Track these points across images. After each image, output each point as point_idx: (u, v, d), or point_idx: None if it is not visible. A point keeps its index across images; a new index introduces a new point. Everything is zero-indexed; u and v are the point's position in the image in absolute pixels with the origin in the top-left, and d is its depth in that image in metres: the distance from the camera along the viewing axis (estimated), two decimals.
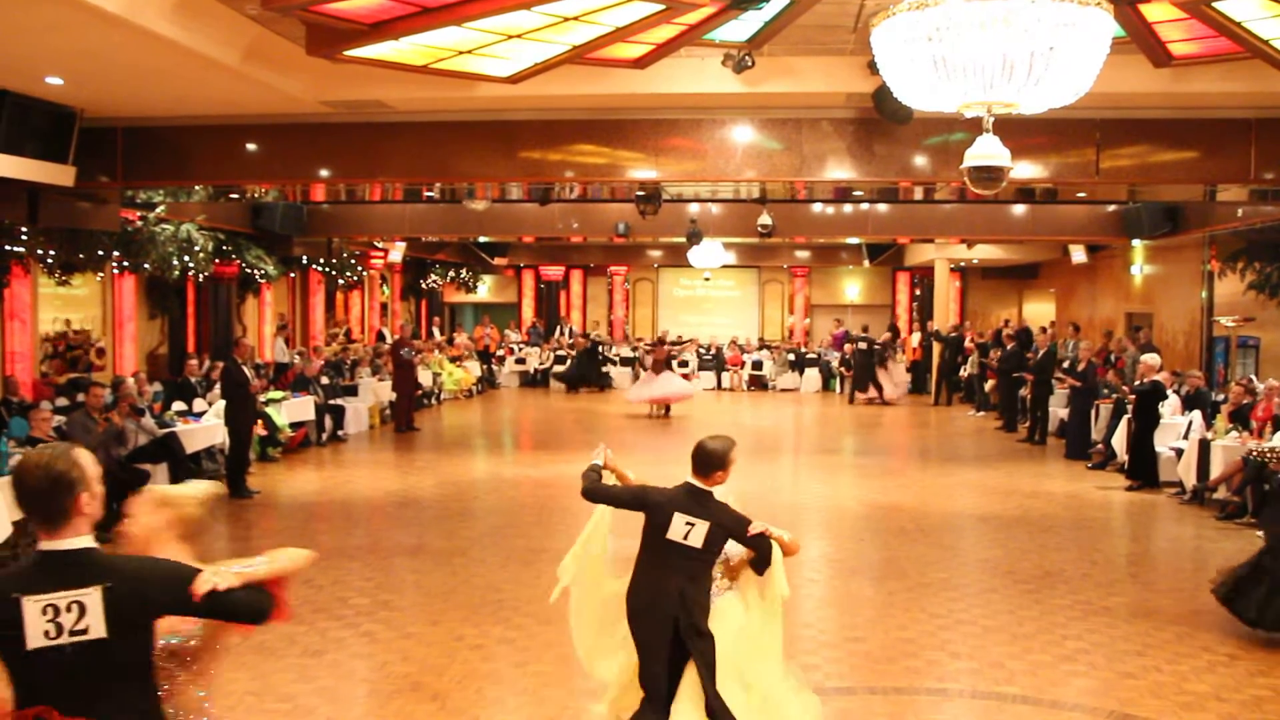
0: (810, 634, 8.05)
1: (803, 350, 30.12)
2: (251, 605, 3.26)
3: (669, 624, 5.26)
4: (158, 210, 15.47)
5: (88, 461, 3.18)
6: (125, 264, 15.58)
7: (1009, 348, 20.82)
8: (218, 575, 3.16)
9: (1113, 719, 6.40)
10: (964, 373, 24.80)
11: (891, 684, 6.98)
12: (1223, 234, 18.53)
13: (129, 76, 9.76)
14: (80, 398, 11.91)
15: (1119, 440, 15.23)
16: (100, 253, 14.79)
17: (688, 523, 5.28)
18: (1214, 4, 7.41)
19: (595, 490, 5.57)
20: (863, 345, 26.05)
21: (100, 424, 11.52)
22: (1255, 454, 11.07)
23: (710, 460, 5.40)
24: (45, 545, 3.09)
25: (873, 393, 25.57)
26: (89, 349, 16.22)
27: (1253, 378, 15.57)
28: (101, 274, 15.91)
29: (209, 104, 11.06)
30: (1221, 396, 14.81)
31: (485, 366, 28.10)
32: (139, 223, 15.35)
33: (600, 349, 29.19)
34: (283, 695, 6.64)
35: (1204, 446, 13.07)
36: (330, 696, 6.68)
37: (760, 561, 5.35)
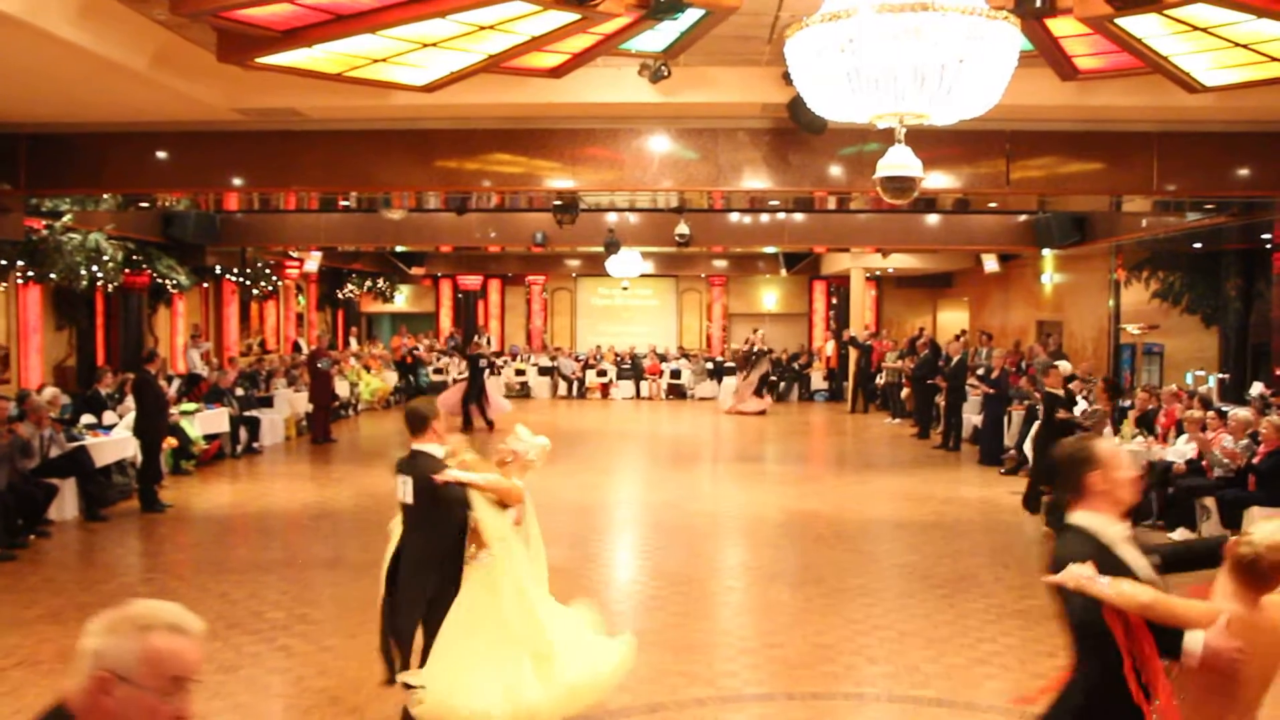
0: (729, 640, 8.10)
1: (720, 359, 30.30)
2: None
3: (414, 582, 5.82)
4: (64, 219, 15.11)
5: None
6: (30, 274, 15.18)
7: (922, 355, 21.13)
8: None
9: (1025, 719, 6.51)
10: (880, 381, 25.12)
11: (809, 689, 7.04)
12: (1128, 244, 19.02)
13: (32, 81, 9.51)
14: None
15: (1031, 446, 15.50)
16: (4, 262, 14.41)
17: (402, 481, 5.89)
18: (1116, 20, 7.59)
19: None
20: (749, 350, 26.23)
21: (3, 437, 11.21)
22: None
23: (413, 418, 5.96)
24: None
25: (748, 404, 25.49)
26: None
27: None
28: (5, 284, 15.50)
29: (117, 110, 10.82)
30: (1128, 402, 15.15)
31: (406, 378, 27.78)
32: (44, 232, 14.98)
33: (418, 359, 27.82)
34: (195, 712, 6.50)
35: None
36: (246, 713, 6.58)
37: (461, 508, 5.77)
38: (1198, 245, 17.29)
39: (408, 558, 5.96)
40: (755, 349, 26.11)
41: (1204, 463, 11.71)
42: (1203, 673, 3.37)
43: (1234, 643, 3.30)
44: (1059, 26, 8.03)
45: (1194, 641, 3.40)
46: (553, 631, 5.57)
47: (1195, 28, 7.66)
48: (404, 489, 5.88)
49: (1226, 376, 16.56)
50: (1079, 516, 3.76)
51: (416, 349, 28.05)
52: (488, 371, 22.80)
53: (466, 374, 22.33)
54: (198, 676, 2.40)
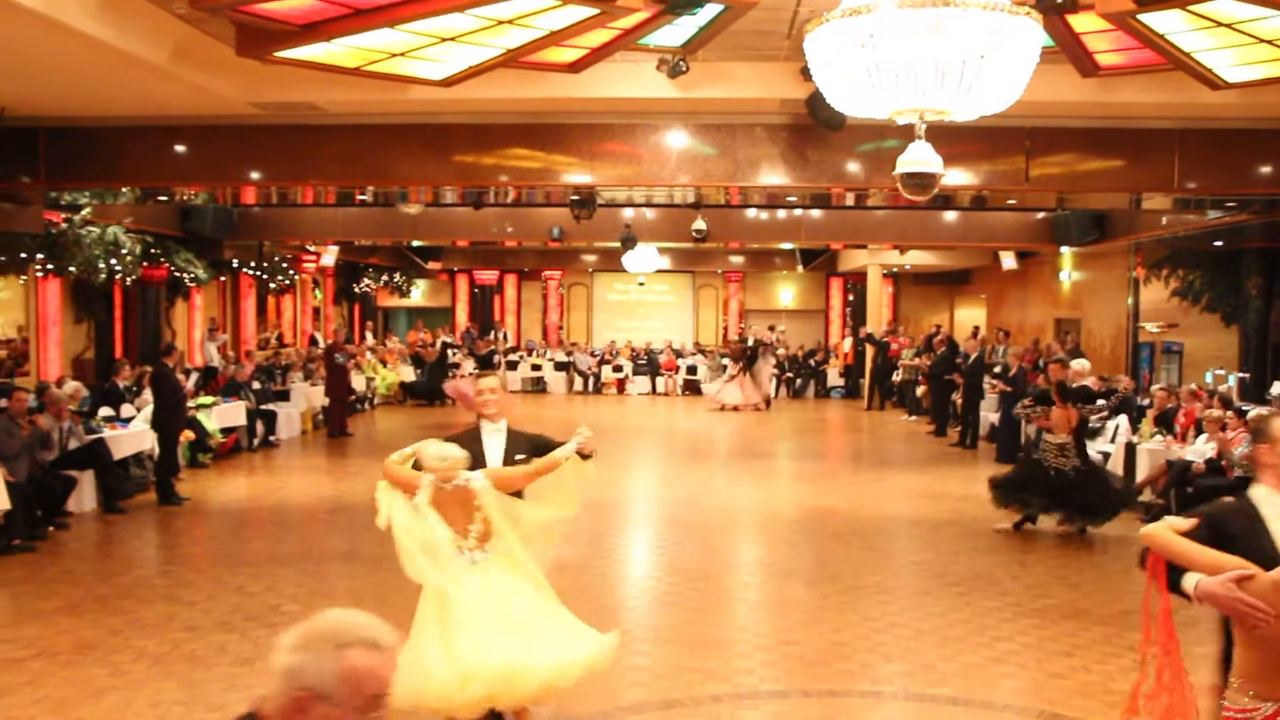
0: (745, 637, 8.08)
1: (724, 353, 30.21)
2: None
3: None
4: (83, 212, 15.17)
5: None
6: (49, 267, 15.25)
7: (940, 353, 21.05)
8: None
9: (1042, 719, 6.49)
10: (897, 378, 25.05)
11: (825, 686, 7.02)
12: (1148, 241, 18.90)
13: (52, 75, 9.54)
14: (2, 403, 11.66)
15: None
16: (23, 255, 14.47)
17: None
18: (1139, 16, 7.55)
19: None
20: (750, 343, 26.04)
21: (24, 429, 11.27)
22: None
23: None
24: None
25: (742, 397, 25.33)
26: (13, 354, 15.87)
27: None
28: (24, 277, 15.57)
29: (136, 104, 10.85)
30: (1147, 401, 15.08)
31: (419, 370, 27.83)
32: (64, 225, 15.04)
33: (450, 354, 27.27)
34: (213, 705, 6.53)
35: (1130, 450, 13.30)
36: None
37: None
38: (1218, 243, 17.15)
39: None
40: (754, 342, 26.02)
41: (1223, 462, 11.63)
42: (1239, 625, 3.48)
43: (1238, 594, 3.38)
44: (1080, 22, 7.99)
45: (1188, 581, 3.55)
46: (469, 613, 5.54)
47: (1219, 23, 7.62)
48: None
49: (1247, 376, 16.44)
50: (1252, 487, 3.87)
51: (430, 345, 27.97)
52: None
53: (477, 370, 22.34)
54: (391, 691, 2.37)
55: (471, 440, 6.04)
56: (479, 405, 6.21)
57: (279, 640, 2.38)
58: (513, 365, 29.17)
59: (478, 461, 5.89)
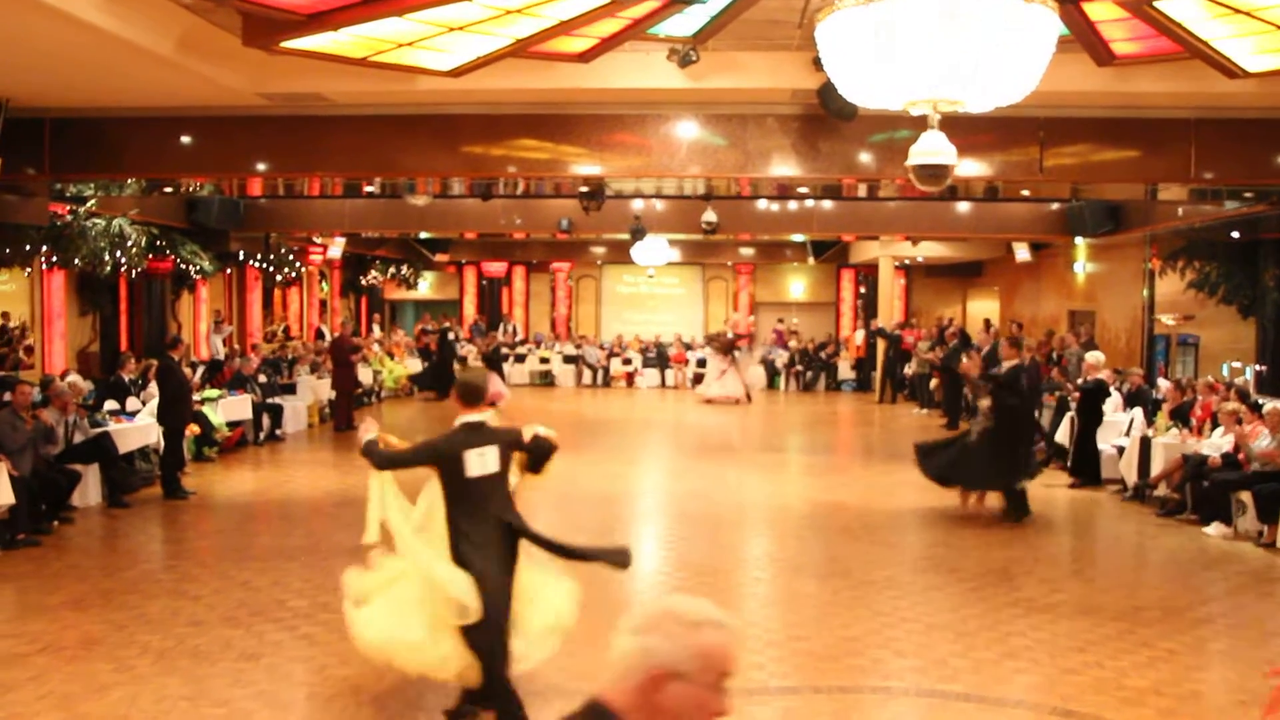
0: (755, 633, 8.00)
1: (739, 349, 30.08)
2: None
3: (508, 544, 5.98)
4: (88, 204, 15.12)
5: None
6: (55, 259, 15.21)
7: (951, 345, 20.94)
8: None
9: (1055, 715, 6.41)
10: (909, 370, 24.94)
11: (836, 682, 6.94)
12: (1163, 233, 18.77)
13: (57, 65, 9.48)
14: (6, 396, 11.61)
15: (1062, 438, 15.34)
16: (28, 247, 14.43)
17: (479, 454, 5.91)
18: (1155, 4, 7.44)
19: (386, 457, 6.38)
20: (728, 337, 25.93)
21: (28, 422, 11.22)
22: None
23: (475, 391, 6.15)
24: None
25: (727, 391, 25.21)
26: (18, 346, 15.85)
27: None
28: (29, 269, 15.53)
29: (141, 95, 10.78)
30: (1162, 394, 14.97)
31: (426, 363, 27.74)
32: (69, 217, 15.00)
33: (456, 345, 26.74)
34: (218, 700, 6.48)
35: (1145, 444, 13.19)
36: (268, 700, 6.54)
37: (540, 459, 6.22)
38: (1235, 234, 17.02)
39: (499, 529, 6.02)
40: (734, 336, 25.91)
41: (1240, 456, 11.52)
42: None
43: None
44: (1096, 11, 7.89)
45: None
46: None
47: (1238, 11, 7.50)
48: (485, 460, 5.96)
49: (1264, 368, 16.32)
50: None
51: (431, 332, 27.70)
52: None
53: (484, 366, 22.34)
54: (737, 672, 2.43)
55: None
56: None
57: (625, 625, 2.44)
58: (521, 359, 29.12)
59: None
